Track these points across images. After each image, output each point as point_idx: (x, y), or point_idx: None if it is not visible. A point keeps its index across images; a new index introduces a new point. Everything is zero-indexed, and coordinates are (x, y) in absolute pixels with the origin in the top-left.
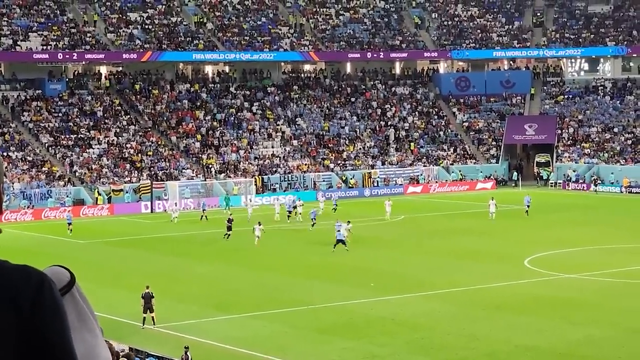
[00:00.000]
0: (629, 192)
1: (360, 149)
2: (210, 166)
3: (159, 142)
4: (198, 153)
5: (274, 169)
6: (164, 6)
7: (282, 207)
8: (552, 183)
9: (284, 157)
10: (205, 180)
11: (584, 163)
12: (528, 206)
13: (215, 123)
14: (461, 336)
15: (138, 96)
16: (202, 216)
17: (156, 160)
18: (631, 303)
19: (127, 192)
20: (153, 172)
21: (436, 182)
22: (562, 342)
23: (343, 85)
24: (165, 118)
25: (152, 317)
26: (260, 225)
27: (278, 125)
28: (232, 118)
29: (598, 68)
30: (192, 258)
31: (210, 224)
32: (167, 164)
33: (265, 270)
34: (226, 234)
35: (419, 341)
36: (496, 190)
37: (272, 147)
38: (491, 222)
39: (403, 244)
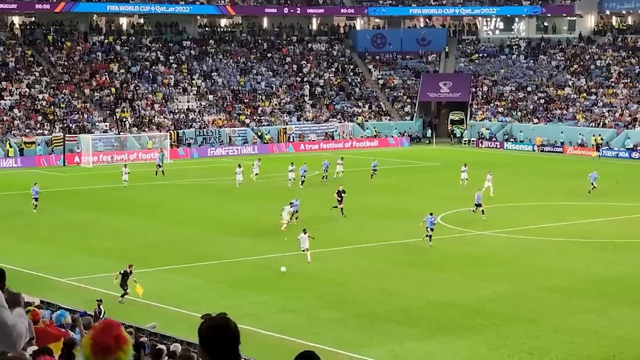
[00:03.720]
0: (540, 151)
1: (275, 104)
2: (124, 120)
3: (72, 95)
4: (112, 106)
5: (189, 124)
6: None
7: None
8: (465, 141)
9: (199, 111)
10: (119, 134)
11: (498, 121)
12: (593, 184)
13: (129, 76)
14: (374, 291)
15: (51, 47)
16: (157, 171)
17: (69, 113)
18: (541, 260)
19: (39, 145)
20: (66, 125)
21: (351, 138)
22: (473, 298)
23: (259, 41)
24: (78, 70)
25: (126, 293)
26: (291, 206)
27: (193, 79)
28: (147, 71)
29: (513, 27)
30: (106, 212)
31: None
32: (81, 116)
33: (179, 224)
34: (335, 206)
35: (332, 296)
36: (410, 147)
37: (188, 101)
38: (462, 188)
39: (318, 199)
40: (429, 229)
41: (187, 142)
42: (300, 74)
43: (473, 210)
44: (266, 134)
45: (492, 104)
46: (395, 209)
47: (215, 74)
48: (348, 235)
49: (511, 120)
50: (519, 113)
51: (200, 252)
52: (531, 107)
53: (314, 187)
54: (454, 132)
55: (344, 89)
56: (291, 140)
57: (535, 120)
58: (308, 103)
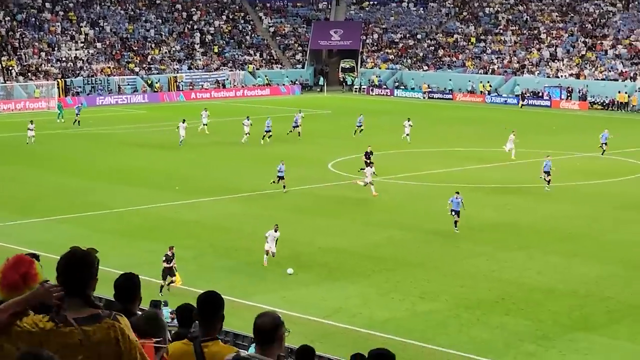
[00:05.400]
0: (429, 98)
1: (165, 52)
2: (10, 68)
3: None
4: None
5: (77, 72)
6: None
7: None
8: (356, 88)
9: (87, 60)
10: (5, 83)
11: (387, 69)
12: (605, 143)
13: (15, 24)
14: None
15: None
16: (75, 120)
17: None
18: (430, 205)
19: None
20: None
21: (243, 86)
22: (363, 243)
23: None
24: None
25: (172, 280)
26: (371, 167)
27: (81, 27)
28: (33, 19)
29: None
30: None
31: (14, 127)
32: None
33: (69, 174)
34: (362, 168)
35: (224, 243)
36: (302, 95)
37: (75, 49)
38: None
39: (207, 148)
40: (453, 213)
41: (75, 90)
42: (190, 22)
43: (542, 177)
44: (156, 83)
45: (382, 52)
46: (287, 157)
47: (103, 21)
48: (239, 183)
49: (401, 67)
50: (409, 60)
51: (91, 202)
52: (421, 54)
53: (282, 143)
54: (345, 80)
55: (234, 37)
56: (181, 88)
57: (425, 68)
58: (198, 51)
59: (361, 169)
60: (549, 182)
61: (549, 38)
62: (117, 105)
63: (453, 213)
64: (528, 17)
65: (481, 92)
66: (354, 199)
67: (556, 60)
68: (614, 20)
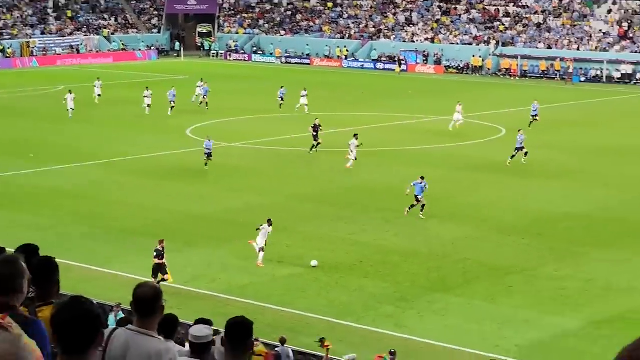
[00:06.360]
0: (286, 62)
1: (18, 17)
2: None
3: None
4: None
5: None
6: None
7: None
8: (214, 53)
9: None
10: None
11: (245, 34)
12: (536, 115)
13: None
14: (128, 205)
15: None
16: None
17: None
18: (290, 170)
19: None
20: None
21: (98, 52)
22: (222, 208)
23: None
24: None
25: (164, 278)
26: (356, 138)
27: None
28: None
29: None
30: None
31: None
32: None
33: None
34: (314, 144)
35: (84, 212)
36: (158, 60)
37: None
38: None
39: (60, 114)
40: (419, 197)
41: None
42: None
43: (512, 156)
44: (8, 48)
45: (239, 16)
46: (143, 123)
47: None
48: (97, 149)
49: (259, 32)
50: (267, 25)
51: None
52: (278, 19)
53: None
54: (203, 44)
55: (88, 2)
56: (34, 54)
57: (283, 33)
58: (52, 16)
59: (313, 147)
60: (524, 155)
61: (404, 3)
62: None
63: (417, 197)
64: None
65: (338, 56)
66: (212, 164)
67: (412, 25)
68: None
